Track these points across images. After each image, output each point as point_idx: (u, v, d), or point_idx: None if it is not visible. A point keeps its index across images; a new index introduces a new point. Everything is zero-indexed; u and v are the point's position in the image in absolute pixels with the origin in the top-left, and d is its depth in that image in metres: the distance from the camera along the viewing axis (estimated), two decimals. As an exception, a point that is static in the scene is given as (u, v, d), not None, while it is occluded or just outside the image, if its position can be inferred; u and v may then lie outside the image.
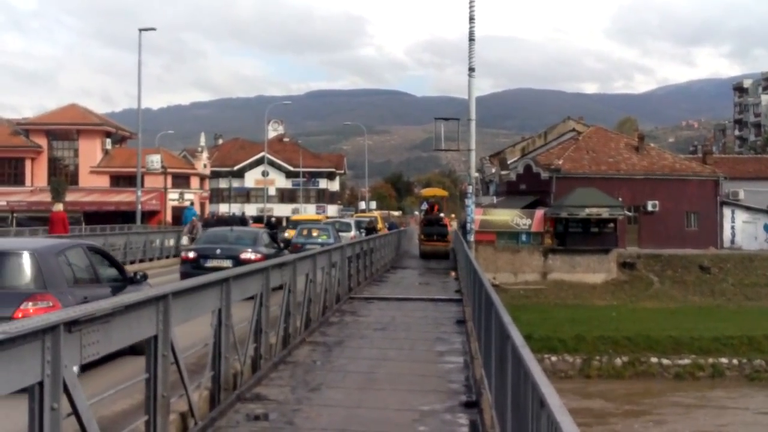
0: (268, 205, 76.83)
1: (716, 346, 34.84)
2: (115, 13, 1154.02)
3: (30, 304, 9.44)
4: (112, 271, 11.63)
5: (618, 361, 34.04)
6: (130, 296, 6.41)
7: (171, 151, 79.16)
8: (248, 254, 20.39)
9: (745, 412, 30.11)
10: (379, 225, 52.46)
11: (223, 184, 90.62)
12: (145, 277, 12.36)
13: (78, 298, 9.67)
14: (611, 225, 49.26)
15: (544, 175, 54.71)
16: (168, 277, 22.53)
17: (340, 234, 32.92)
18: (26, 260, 9.99)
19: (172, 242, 36.26)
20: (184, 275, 18.14)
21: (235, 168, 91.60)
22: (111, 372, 8.43)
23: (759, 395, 32.02)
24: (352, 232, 36.70)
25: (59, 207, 28.19)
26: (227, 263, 18.92)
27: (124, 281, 11.57)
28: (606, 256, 48.49)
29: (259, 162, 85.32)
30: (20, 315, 8.97)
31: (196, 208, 65.10)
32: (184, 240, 31.88)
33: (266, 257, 18.77)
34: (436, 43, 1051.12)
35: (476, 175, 35.45)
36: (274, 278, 11.17)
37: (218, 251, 20.92)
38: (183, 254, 22.59)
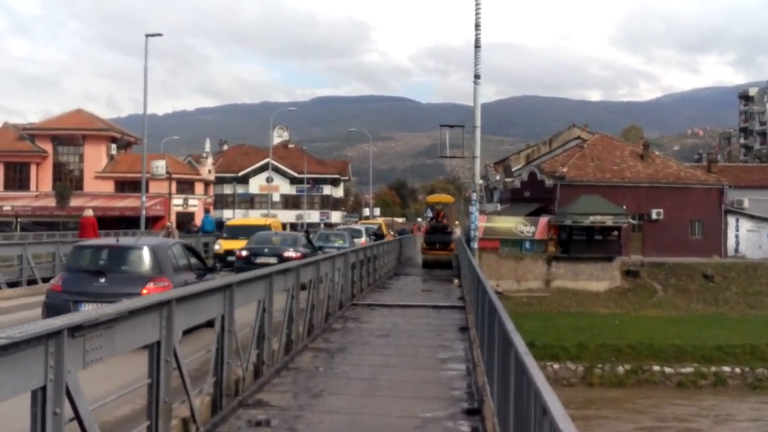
0: (272, 211, 76.85)
1: (719, 355, 34.79)
2: (120, 17, 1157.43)
3: (152, 284, 12.69)
4: (198, 263, 15.28)
5: (620, 369, 34.00)
6: (133, 301, 6.43)
7: (176, 157, 79.34)
8: (290, 252, 24.43)
9: (705, 419, 30.03)
10: (384, 231, 52.87)
11: (227, 189, 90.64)
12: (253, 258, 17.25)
13: (181, 281, 12.90)
14: (615, 233, 49.19)
15: (549, 182, 54.70)
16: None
17: (353, 240, 35.70)
18: (146, 253, 13.49)
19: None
20: (238, 270, 20.21)
21: (240, 174, 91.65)
22: (113, 377, 8.44)
23: (740, 403, 32.04)
24: (363, 238, 38.72)
25: (89, 212, 29.75)
26: (273, 260, 22.46)
27: (205, 270, 15.17)
28: (609, 264, 48.42)
29: (263, 168, 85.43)
30: (145, 291, 12.09)
31: (200, 214, 65.31)
32: None
33: (304, 256, 22.49)
34: (440, 50, 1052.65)
35: (480, 182, 35.28)
36: (278, 284, 11.18)
37: (266, 250, 25.05)
38: (237, 253, 26.15)
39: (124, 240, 15.52)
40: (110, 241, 15.34)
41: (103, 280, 12.94)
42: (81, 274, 13.37)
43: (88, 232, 26.52)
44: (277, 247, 25.36)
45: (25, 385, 4.68)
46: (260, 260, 23.23)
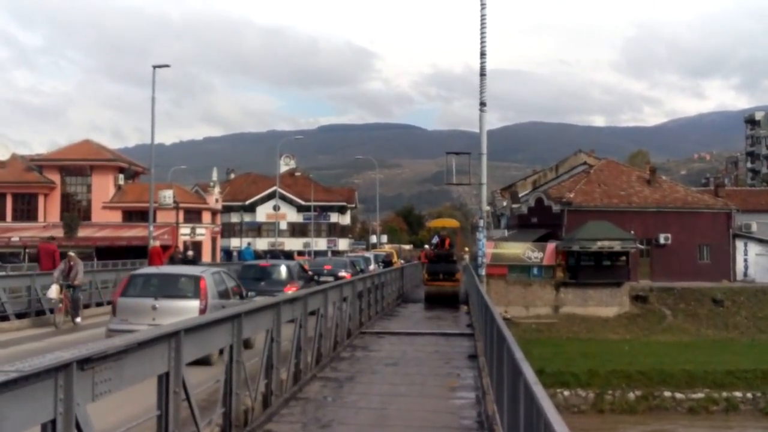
0: (279, 239, 76.89)
1: (730, 380, 34.55)
2: (122, 48, 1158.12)
3: (289, 285, 21.10)
4: (305, 274, 24.71)
5: (631, 395, 33.78)
6: (142, 333, 6.43)
7: (183, 186, 79.45)
8: (343, 273, 31.87)
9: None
10: (394, 259, 53.08)
11: (234, 218, 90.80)
12: (317, 277, 27.38)
13: (301, 285, 21.12)
14: (623, 258, 49.08)
15: (556, 208, 54.69)
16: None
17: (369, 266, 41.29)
18: (283, 268, 23.58)
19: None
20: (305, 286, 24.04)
21: (247, 202, 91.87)
22: (122, 408, 8.42)
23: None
24: (372, 266, 42.38)
25: (156, 243, 35.75)
26: (330, 278, 28.42)
27: (310, 280, 24.33)
28: (618, 289, 48.28)
29: (270, 196, 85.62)
30: (286, 290, 19.13)
31: (207, 243, 65.37)
32: (52, 292, 21.37)
33: (352, 275, 29.28)
34: (441, 77, 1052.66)
35: (487, 208, 34.90)
36: (285, 314, 11.17)
37: (325, 271, 32.52)
38: None
39: (272, 261, 27.21)
40: (264, 261, 27.00)
41: (263, 283, 21.57)
42: (249, 279, 21.42)
43: (155, 260, 31.21)
44: (333, 269, 33.28)
45: (35, 419, 4.68)
46: (322, 278, 29.17)
